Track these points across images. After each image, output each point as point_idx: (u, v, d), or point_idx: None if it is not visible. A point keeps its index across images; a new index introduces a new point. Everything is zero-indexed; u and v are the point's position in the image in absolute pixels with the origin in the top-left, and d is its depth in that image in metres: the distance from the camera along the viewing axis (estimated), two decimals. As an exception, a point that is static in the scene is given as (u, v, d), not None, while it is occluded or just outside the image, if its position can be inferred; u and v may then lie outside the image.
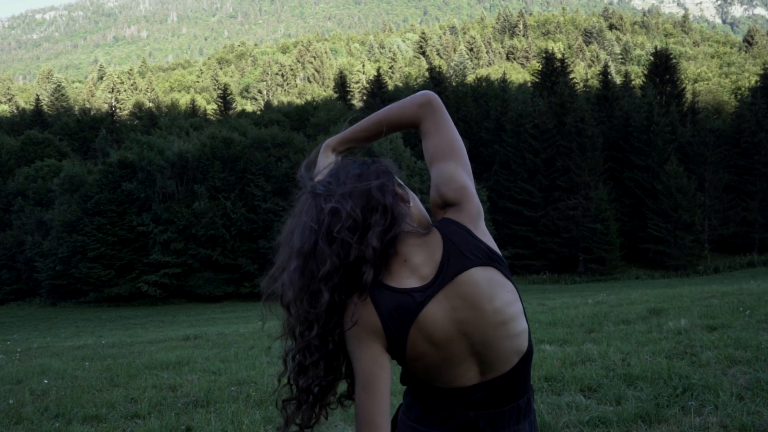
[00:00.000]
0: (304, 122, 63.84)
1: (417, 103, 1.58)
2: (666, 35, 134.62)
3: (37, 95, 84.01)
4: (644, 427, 3.25)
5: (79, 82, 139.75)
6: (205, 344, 10.20)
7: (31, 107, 79.61)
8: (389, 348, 1.35)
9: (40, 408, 5.02)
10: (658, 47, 67.50)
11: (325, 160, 1.57)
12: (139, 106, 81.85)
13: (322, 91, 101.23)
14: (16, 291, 44.28)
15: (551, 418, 3.48)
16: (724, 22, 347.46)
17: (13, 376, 7.31)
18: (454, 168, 1.50)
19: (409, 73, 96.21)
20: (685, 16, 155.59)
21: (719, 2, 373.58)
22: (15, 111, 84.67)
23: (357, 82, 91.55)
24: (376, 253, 1.32)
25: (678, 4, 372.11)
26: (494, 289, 1.36)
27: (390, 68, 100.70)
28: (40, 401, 5.33)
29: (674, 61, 64.05)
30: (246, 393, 5.02)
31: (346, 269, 1.32)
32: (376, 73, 69.00)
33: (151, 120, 67.11)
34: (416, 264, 1.36)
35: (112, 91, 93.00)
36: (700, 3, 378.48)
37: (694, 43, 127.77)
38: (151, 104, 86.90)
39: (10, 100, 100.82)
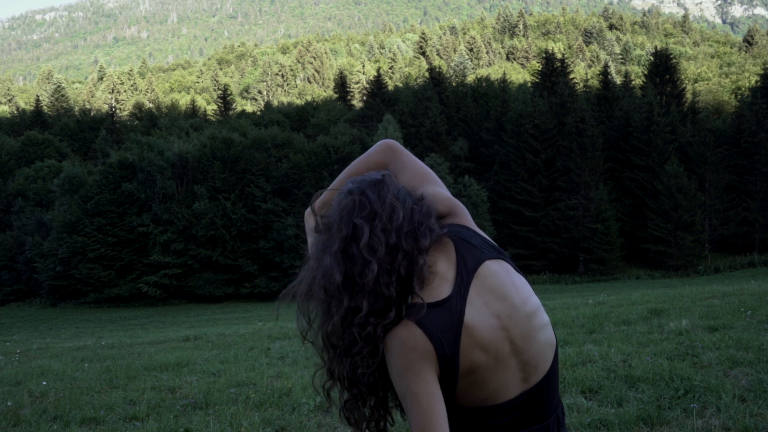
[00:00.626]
0: (304, 122, 63.86)
1: (379, 150, 1.61)
2: (666, 35, 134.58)
3: (37, 96, 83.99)
4: (646, 430, 3.23)
5: (79, 82, 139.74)
6: (205, 345, 10.19)
7: (31, 108, 79.59)
8: (441, 372, 1.26)
9: (38, 410, 4.99)
10: (658, 47, 67.46)
11: (313, 223, 1.51)
12: (139, 106, 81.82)
13: (322, 91, 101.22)
14: (16, 292, 44.25)
15: (552, 420, 3.45)
16: (724, 22, 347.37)
17: (12, 377, 7.29)
18: (434, 188, 1.50)
19: (409, 73, 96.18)
20: (685, 16, 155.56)
21: (719, 2, 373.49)
22: (15, 112, 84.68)
23: (357, 83, 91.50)
24: (430, 246, 1.31)
25: (678, 4, 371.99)
26: (514, 280, 1.36)
27: (390, 68, 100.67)
28: (39, 403, 5.31)
29: (674, 61, 64.01)
30: (245, 395, 4.99)
31: (393, 253, 1.27)
32: (376, 74, 69.03)
33: (151, 120, 67.16)
34: (443, 270, 1.32)
35: (112, 91, 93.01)
36: (700, 3, 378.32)
37: (694, 43, 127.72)
38: (151, 105, 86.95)
39: (10, 100, 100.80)
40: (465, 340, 1.26)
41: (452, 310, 1.26)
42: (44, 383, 6.27)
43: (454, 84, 70.83)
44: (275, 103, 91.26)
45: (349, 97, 79.96)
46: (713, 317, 7.26)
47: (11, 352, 11.64)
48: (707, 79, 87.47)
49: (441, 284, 1.29)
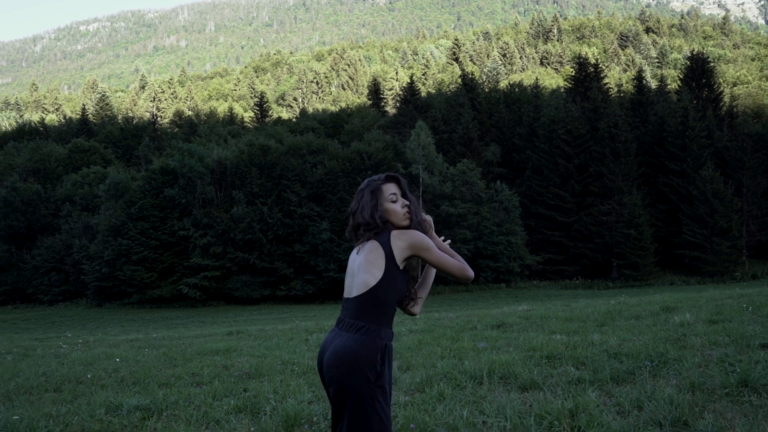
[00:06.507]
0: (338, 129, 64.94)
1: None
2: (705, 38, 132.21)
3: (83, 105, 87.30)
4: (612, 385, 3.92)
5: (122, 91, 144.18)
6: (248, 338, 11.06)
7: (78, 116, 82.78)
8: None
9: (117, 379, 5.90)
10: (696, 50, 66.68)
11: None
12: (179, 114, 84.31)
13: (356, 98, 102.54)
14: (64, 292, 46.19)
15: (540, 379, 4.17)
16: (767, 22, 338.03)
17: (82, 360, 8.28)
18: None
19: (442, 79, 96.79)
20: (725, 18, 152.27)
21: (762, 2, 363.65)
22: (62, 120, 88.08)
23: (390, 89, 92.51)
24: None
25: (719, 5, 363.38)
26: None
27: (423, 75, 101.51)
28: (115, 375, 6.22)
29: (711, 64, 63.14)
30: (290, 368, 5.81)
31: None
32: (409, 80, 69.80)
33: (191, 128, 69.19)
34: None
35: (154, 100, 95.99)
36: (742, 4, 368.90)
37: (734, 45, 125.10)
38: (190, 112, 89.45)
39: (57, 109, 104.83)
40: None
41: None
42: (117, 360, 7.20)
43: (486, 90, 71.22)
44: (310, 110, 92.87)
45: (382, 104, 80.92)
46: (718, 313, 7.80)
47: (73, 343, 12.76)
48: (747, 82, 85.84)
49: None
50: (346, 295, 2.63)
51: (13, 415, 4.18)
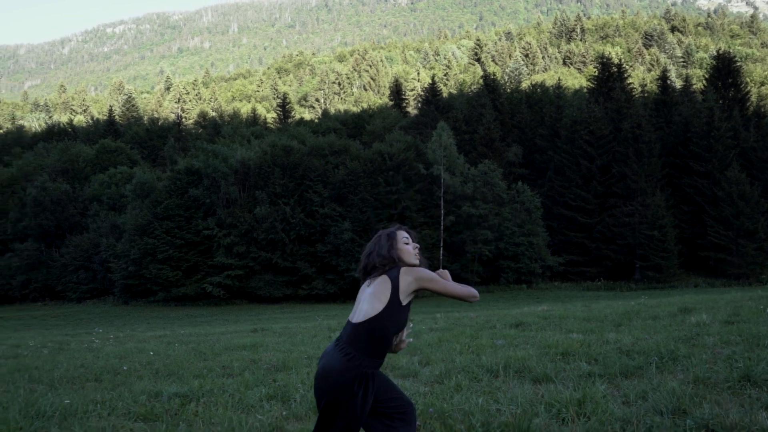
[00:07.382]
0: (360, 130, 65.25)
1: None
2: (732, 36, 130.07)
3: (110, 106, 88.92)
4: (621, 379, 4.14)
5: (147, 92, 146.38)
6: (272, 335, 11.39)
7: (105, 117, 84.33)
8: None
9: (152, 371, 6.24)
10: (722, 49, 65.71)
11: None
12: (203, 115, 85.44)
13: (378, 98, 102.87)
14: (92, 290, 47.23)
15: (552, 373, 4.40)
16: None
17: (116, 353, 8.67)
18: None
19: (464, 80, 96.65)
20: (754, 16, 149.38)
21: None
22: (90, 121, 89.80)
23: (412, 90, 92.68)
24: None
25: (747, 3, 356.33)
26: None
27: (445, 75, 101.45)
28: (150, 367, 6.57)
29: (738, 64, 62.15)
30: (316, 363, 6.10)
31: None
32: (430, 81, 69.84)
33: (214, 129, 70.10)
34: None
35: (178, 101, 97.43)
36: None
37: (762, 44, 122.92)
38: (214, 113, 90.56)
39: (85, 110, 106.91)
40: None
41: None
42: (151, 353, 7.56)
43: (508, 90, 71.00)
44: (332, 110, 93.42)
45: (404, 105, 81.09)
46: (736, 314, 7.91)
47: (105, 338, 13.23)
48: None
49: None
50: (349, 318, 3.00)
51: (63, 400, 4.53)
